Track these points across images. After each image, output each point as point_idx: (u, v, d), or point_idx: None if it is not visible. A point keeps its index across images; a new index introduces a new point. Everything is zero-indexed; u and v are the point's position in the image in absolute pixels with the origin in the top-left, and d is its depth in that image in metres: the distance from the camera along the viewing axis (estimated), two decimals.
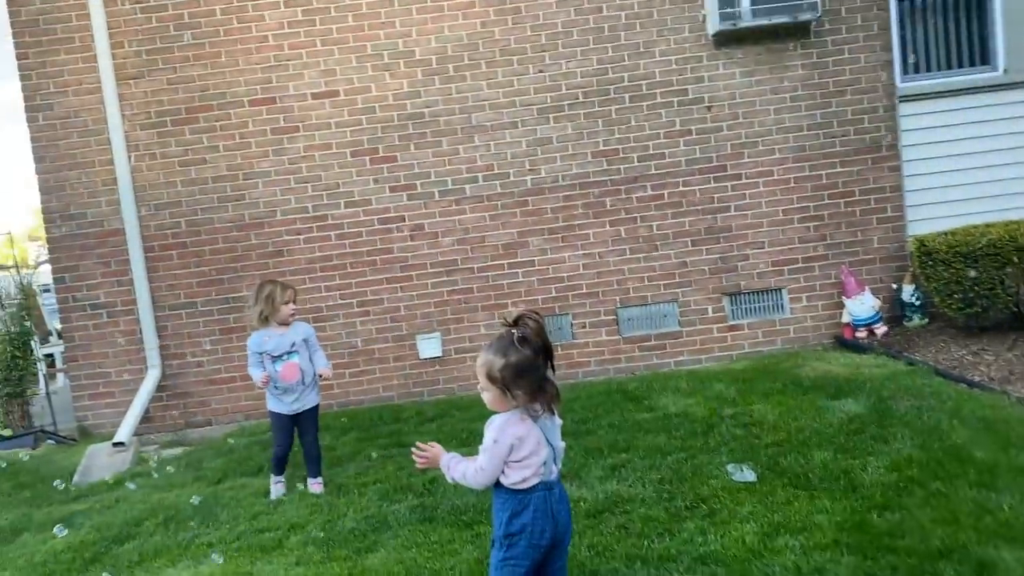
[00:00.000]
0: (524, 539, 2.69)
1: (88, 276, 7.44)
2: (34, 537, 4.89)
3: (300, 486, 5.21)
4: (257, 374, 5.03)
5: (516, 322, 2.65)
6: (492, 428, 2.69)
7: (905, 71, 7.62)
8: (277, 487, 5.21)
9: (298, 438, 5.24)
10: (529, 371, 2.61)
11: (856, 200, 7.43)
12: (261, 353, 5.03)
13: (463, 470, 2.73)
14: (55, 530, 4.94)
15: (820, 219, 7.44)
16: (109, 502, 5.46)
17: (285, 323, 5.09)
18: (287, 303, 5.06)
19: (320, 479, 5.21)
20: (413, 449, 2.86)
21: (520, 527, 2.69)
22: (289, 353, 5.05)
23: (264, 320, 5.04)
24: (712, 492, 4.19)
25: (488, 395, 2.69)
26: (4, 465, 6.68)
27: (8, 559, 4.53)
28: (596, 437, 5.45)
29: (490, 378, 2.63)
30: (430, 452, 2.82)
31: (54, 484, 5.98)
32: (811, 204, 7.43)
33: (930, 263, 6.54)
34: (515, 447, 2.64)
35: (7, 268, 8.43)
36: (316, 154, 7.45)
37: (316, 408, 5.25)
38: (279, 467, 5.24)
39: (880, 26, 7.39)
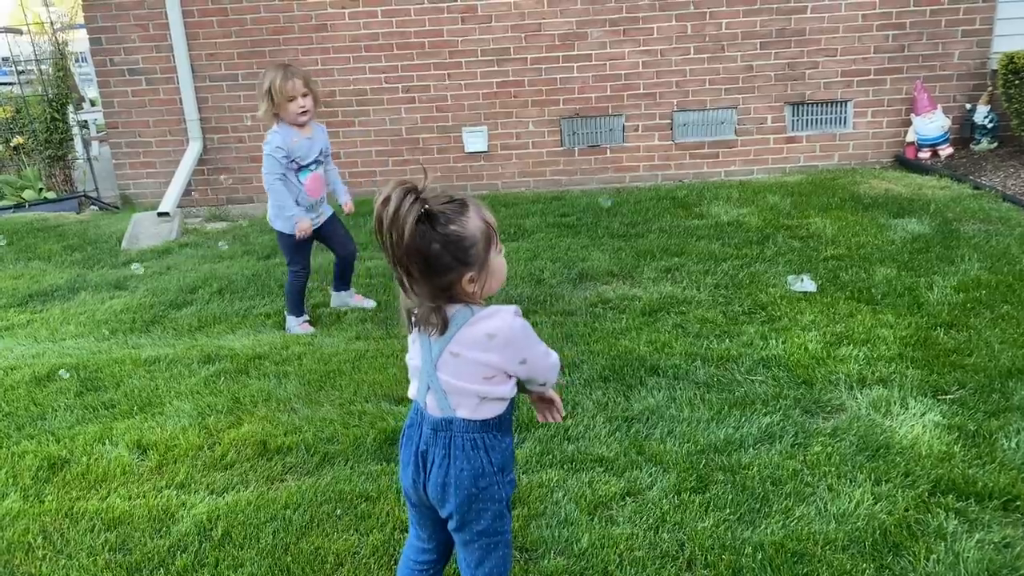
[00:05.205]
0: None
1: (125, 39, 7.13)
2: (92, 296, 4.99)
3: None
4: (290, 203, 3.90)
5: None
6: None
7: None
8: (305, 327, 4.21)
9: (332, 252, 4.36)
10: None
11: (943, 8, 6.85)
12: (289, 159, 3.91)
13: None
14: (132, 267, 5.32)
15: (901, 27, 6.90)
16: (160, 268, 5.54)
17: (297, 124, 3.92)
18: (292, 99, 3.81)
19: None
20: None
21: None
22: (316, 162, 4.04)
23: (277, 117, 3.90)
24: (771, 300, 4.15)
25: None
26: (53, 226, 6.74)
27: (71, 314, 4.64)
28: (647, 240, 5.37)
29: None
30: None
31: (107, 247, 6.07)
32: (894, 9, 6.86)
33: (1016, 82, 6.13)
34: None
35: (20, 31, 8.03)
36: None
37: (335, 214, 4.30)
38: (299, 304, 4.21)
39: None
